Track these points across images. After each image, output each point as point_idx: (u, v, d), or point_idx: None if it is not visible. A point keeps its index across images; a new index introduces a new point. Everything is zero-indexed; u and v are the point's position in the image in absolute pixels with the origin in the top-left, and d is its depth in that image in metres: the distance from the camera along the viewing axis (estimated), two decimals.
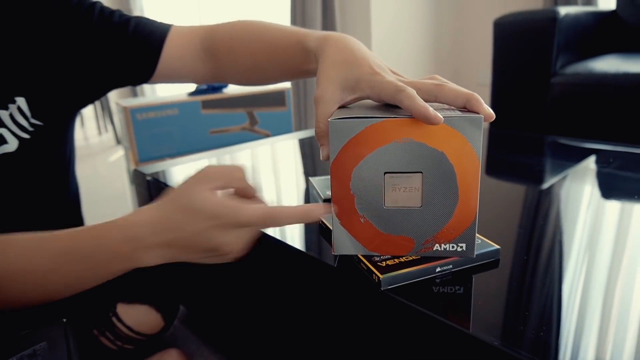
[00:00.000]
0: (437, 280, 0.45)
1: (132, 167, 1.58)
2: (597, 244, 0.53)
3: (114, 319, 0.68)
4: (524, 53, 1.46)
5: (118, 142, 3.12)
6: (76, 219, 0.74)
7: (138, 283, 0.71)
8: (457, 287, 0.45)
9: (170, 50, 0.66)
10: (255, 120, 1.77)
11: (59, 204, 0.69)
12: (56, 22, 0.58)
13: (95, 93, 0.67)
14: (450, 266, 0.46)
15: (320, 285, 0.53)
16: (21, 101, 0.56)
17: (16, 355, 0.41)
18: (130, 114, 1.49)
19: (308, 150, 1.07)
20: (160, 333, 0.74)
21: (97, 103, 3.51)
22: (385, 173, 0.44)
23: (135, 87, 3.50)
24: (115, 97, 4.85)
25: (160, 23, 0.67)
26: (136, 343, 0.71)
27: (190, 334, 0.93)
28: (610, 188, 0.72)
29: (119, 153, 2.90)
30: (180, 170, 0.92)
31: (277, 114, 1.82)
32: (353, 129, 0.43)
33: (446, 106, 0.45)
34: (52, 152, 0.62)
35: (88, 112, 4.25)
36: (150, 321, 0.71)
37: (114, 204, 1.99)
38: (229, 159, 1.01)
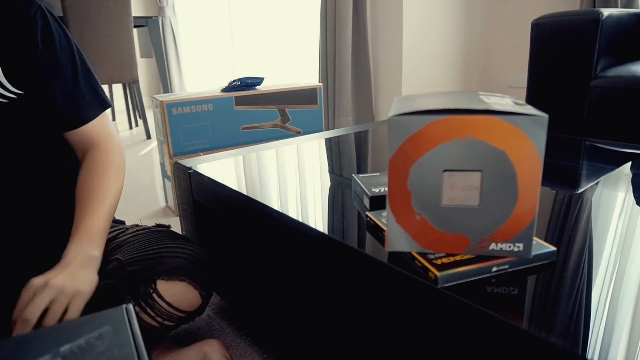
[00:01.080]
0: (493, 280, 0.45)
1: (167, 160, 1.60)
2: None
3: (154, 295, 0.69)
4: (563, 54, 1.43)
5: (148, 136, 3.18)
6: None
7: (177, 260, 0.72)
8: (511, 288, 0.44)
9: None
10: (287, 117, 1.78)
11: (51, 170, 0.78)
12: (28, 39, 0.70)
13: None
14: (507, 266, 0.46)
15: (367, 280, 0.54)
16: None
17: (83, 338, 0.43)
18: (167, 108, 1.52)
19: (344, 148, 1.07)
20: (197, 310, 0.75)
21: (129, 97, 3.58)
22: (444, 171, 0.44)
23: (167, 82, 3.56)
24: (151, 92, 4.94)
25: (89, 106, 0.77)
26: (176, 320, 0.72)
27: (227, 325, 0.95)
28: None
29: (149, 147, 2.95)
30: (216, 165, 0.93)
31: (308, 112, 1.83)
32: (414, 125, 0.43)
33: (510, 101, 0.45)
34: (34, 120, 0.72)
35: (119, 106, 4.34)
36: (188, 298, 0.72)
37: (144, 195, 2.03)
38: (268, 155, 1.02)
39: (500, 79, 2.80)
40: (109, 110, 0.82)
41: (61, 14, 2.60)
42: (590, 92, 1.37)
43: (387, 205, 0.47)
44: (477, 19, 2.74)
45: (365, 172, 0.85)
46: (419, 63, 2.56)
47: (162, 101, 1.52)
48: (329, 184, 0.80)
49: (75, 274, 0.61)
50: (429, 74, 2.63)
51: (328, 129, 2.49)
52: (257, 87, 1.75)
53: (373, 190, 0.64)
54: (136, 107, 3.61)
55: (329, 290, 0.62)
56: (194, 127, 1.59)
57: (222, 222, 0.87)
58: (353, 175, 0.72)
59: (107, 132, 0.79)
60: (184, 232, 1.03)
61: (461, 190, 0.44)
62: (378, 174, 0.72)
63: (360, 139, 1.15)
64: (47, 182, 0.78)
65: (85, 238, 0.67)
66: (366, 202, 0.64)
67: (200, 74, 4.65)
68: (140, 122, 3.73)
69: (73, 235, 0.67)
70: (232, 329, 0.93)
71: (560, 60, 1.44)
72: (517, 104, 0.45)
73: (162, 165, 1.70)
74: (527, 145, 0.42)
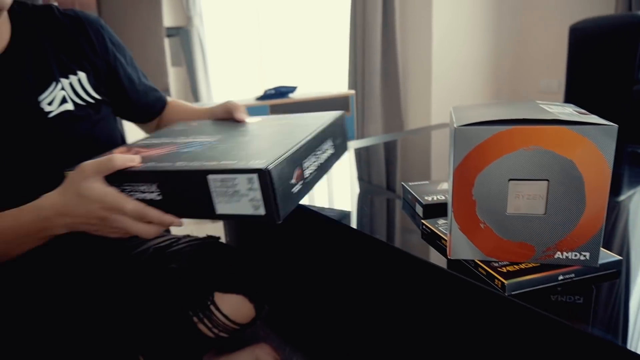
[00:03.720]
0: (559, 289, 0.45)
1: None
2: None
3: (212, 307, 0.72)
4: (603, 59, 1.41)
5: None
6: None
7: (233, 274, 0.75)
8: (577, 297, 0.45)
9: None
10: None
11: None
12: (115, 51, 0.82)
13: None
14: (573, 275, 0.46)
15: (429, 288, 0.54)
16: (82, 75, 0.75)
17: None
18: None
19: (385, 156, 1.08)
20: (251, 323, 0.77)
21: None
22: (509, 180, 0.45)
23: (197, 91, 3.63)
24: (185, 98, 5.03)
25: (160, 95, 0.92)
26: (230, 332, 0.74)
27: (271, 332, 0.96)
28: None
29: None
30: None
31: None
32: (480, 135, 0.44)
33: (573, 110, 0.45)
34: (104, 121, 0.79)
35: None
36: (243, 311, 0.75)
37: None
38: None
39: (531, 84, 2.76)
40: None
41: None
42: (631, 97, 1.35)
43: (450, 214, 0.48)
44: (507, 23, 2.71)
45: (407, 179, 0.86)
46: (448, 68, 2.56)
47: None
48: (370, 190, 0.81)
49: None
50: (458, 79, 2.61)
51: (358, 135, 2.50)
52: (291, 95, 1.78)
53: (426, 198, 0.65)
54: None
55: (384, 297, 0.63)
56: None
57: (268, 230, 0.89)
58: (403, 183, 0.73)
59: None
60: (227, 239, 1.05)
61: (527, 199, 0.45)
62: (427, 182, 0.72)
63: (398, 147, 1.16)
64: None
65: None
66: (419, 210, 0.65)
67: (227, 82, 4.72)
68: None
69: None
70: (276, 335, 0.95)
71: (600, 66, 1.42)
72: (581, 113, 0.46)
73: None
74: (596, 155, 0.42)
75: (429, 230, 0.58)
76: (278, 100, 1.70)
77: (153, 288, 0.75)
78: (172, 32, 3.23)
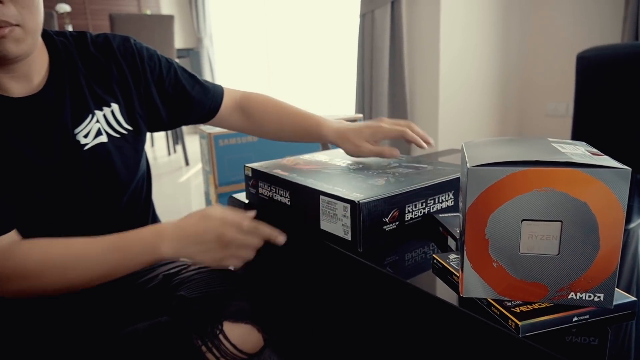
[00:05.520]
0: (573, 330, 0.45)
1: (212, 189, 1.65)
2: None
3: (220, 336, 0.71)
4: (610, 88, 1.42)
5: (187, 162, 3.27)
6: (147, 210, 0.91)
7: (243, 303, 0.75)
8: (591, 338, 0.44)
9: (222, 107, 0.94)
10: (328, 148, 1.81)
11: (136, 195, 0.85)
12: (153, 73, 0.84)
13: (173, 124, 0.91)
14: (587, 316, 0.46)
15: (437, 323, 0.54)
16: (115, 107, 0.77)
17: None
18: (214, 140, 1.57)
19: None
20: (259, 353, 0.77)
21: None
22: (523, 220, 0.45)
23: None
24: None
25: (216, 85, 0.94)
26: None
27: (277, 358, 0.95)
28: None
29: (189, 173, 3.04)
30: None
31: None
32: (493, 176, 0.44)
33: (585, 150, 0.46)
34: (133, 150, 0.81)
35: (159, 133, 4.49)
36: (252, 341, 0.74)
37: None
38: None
39: (538, 107, 2.78)
40: None
41: None
42: None
43: (464, 252, 0.48)
44: (514, 47, 2.74)
45: None
46: (456, 92, 2.57)
47: (209, 133, 1.57)
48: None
49: None
50: (465, 103, 2.63)
51: None
52: None
53: (457, 230, 0.64)
54: (175, 135, 3.73)
55: (392, 329, 0.62)
56: (239, 157, 1.63)
57: (276, 257, 0.89)
58: (432, 213, 0.73)
59: (240, 90, 0.97)
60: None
61: (540, 239, 0.45)
62: (457, 214, 0.72)
63: None
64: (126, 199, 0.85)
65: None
66: (452, 244, 0.65)
67: None
68: (177, 148, 3.85)
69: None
70: None
71: (608, 94, 1.43)
72: (593, 154, 0.46)
73: (207, 194, 1.75)
74: (609, 197, 0.42)
75: (440, 265, 0.58)
76: None
77: (161, 315, 0.75)
78: (183, 54, 3.29)
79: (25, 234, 0.72)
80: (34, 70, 0.70)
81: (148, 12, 4.26)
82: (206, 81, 0.93)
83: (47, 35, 0.74)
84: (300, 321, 0.87)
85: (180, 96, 0.87)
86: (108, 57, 0.77)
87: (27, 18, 0.63)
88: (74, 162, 0.72)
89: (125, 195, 0.81)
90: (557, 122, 2.68)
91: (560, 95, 2.64)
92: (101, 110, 0.75)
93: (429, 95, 2.58)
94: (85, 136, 0.73)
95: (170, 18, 2.88)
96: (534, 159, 0.44)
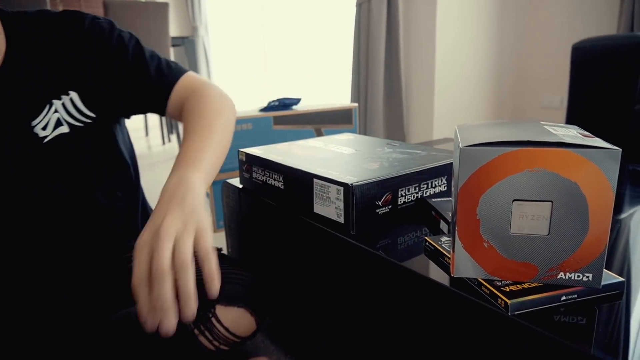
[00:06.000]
0: (562, 309, 0.46)
1: None
2: None
3: (213, 319, 0.72)
4: (605, 78, 1.42)
5: None
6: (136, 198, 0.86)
7: (236, 287, 0.75)
8: (579, 317, 0.45)
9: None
10: (322, 134, 1.81)
11: (112, 181, 0.79)
12: (103, 50, 0.74)
13: (126, 111, 0.81)
14: (575, 295, 0.46)
15: (430, 305, 0.55)
16: (74, 95, 0.72)
17: None
18: None
19: None
20: (251, 336, 0.77)
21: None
22: (514, 200, 0.45)
23: None
24: None
25: (172, 71, 0.79)
26: (231, 344, 0.74)
27: (270, 343, 0.96)
28: None
29: None
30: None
31: (344, 131, 1.85)
32: (485, 156, 0.45)
33: (576, 133, 0.46)
34: (101, 138, 0.75)
35: (152, 122, 4.47)
36: (244, 324, 0.75)
37: None
38: None
39: (533, 99, 2.78)
40: (193, 74, 0.81)
41: None
42: (633, 117, 1.36)
43: (455, 232, 0.48)
44: (510, 38, 2.74)
45: None
46: (451, 83, 2.57)
47: None
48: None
49: (184, 207, 0.52)
50: (460, 93, 2.63)
51: None
52: (295, 107, 1.79)
53: (449, 214, 0.65)
54: (170, 124, 3.71)
55: (385, 311, 0.63)
56: (233, 145, 1.62)
57: (270, 240, 0.90)
58: (425, 198, 0.73)
59: (201, 80, 0.79)
60: (229, 249, 1.06)
61: (530, 219, 0.45)
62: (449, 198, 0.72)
63: None
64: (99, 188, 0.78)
65: (183, 163, 0.60)
66: (444, 227, 0.65)
67: (230, 92, 4.75)
68: (172, 137, 3.83)
69: (173, 167, 0.61)
70: (276, 347, 0.95)
71: (602, 84, 1.43)
72: (585, 136, 0.46)
73: None
74: (600, 178, 0.42)
75: (432, 248, 0.58)
76: (281, 112, 1.71)
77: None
78: (177, 42, 3.26)
79: (2, 233, 0.71)
80: None
81: None
82: (161, 73, 0.78)
83: (5, 18, 0.69)
84: (292, 305, 0.87)
85: (129, 87, 0.76)
86: (65, 37, 0.71)
87: None
88: (32, 156, 0.68)
89: (101, 187, 0.77)
90: (551, 114, 2.69)
91: (556, 87, 2.65)
92: (59, 99, 0.70)
93: (424, 85, 2.58)
94: (44, 128, 0.69)
95: (165, 5, 2.85)
96: (526, 139, 0.44)
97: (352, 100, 2.76)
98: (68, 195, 0.73)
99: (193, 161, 0.61)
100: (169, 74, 0.77)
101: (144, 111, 0.80)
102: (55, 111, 0.70)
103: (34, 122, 0.68)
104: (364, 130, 2.69)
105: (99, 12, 4.25)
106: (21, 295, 0.73)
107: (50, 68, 0.69)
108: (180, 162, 0.61)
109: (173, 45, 3.25)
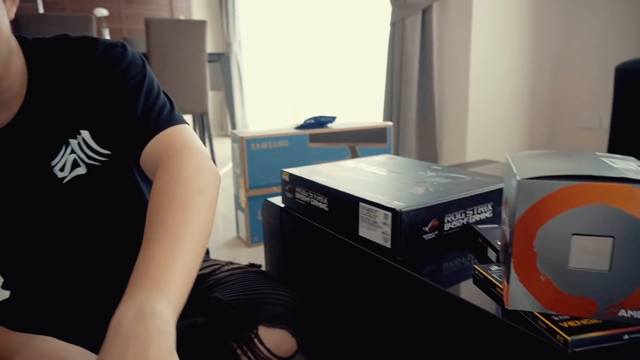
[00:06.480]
0: (625, 348, 0.44)
1: (242, 192, 1.67)
2: None
3: (255, 340, 0.72)
4: None
5: (214, 165, 3.32)
6: None
7: (278, 307, 0.76)
8: None
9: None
10: (357, 154, 1.82)
11: (132, 220, 0.73)
12: (107, 81, 0.66)
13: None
14: (639, 335, 0.45)
15: (478, 335, 0.54)
16: (86, 134, 0.67)
17: None
18: (246, 143, 1.60)
19: None
20: (292, 357, 0.77)
21: (198, 128, 3.77)
22: (573, 234, 0.45)
23: (234, 115, 3.74)
24: (215, 123, 5.17)
25: (158, 121, 0.67)
26: None
27: None
28: None
29: None
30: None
31: (378, 150, 1.86)
32: (544, 189, 0.44)
33: (637, 166, 0.45)
34: (119, 177, 0.70)
35: None
36: (286, 345, 0.75)
37: (215, 224, 2.11)
38: None
39: (571, 119, 2.72)
40: (187, 128, 0.68)
41: (145, 51, 2.82)
42: None
43: (510, 264, 0.48)
44: (546, 57, 2.70)
45: None
46: (485, 101, 2.55)
47: (242, 137, 1.60)
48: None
49: (133, 350, 0.39)
50: (495, 112, 2.60)
51: None
52: (330, 125, 1.81)
53: (497, 242, 0.64)
54: (202, 137, 3.79)
55: (430, 339, 0.62)
56: (269, 162, 1.65)
57: (312, 260, 0.90)
58: (470, 224, 0.73)
59: (183, 142, 0.64)
60: (267, 266, 1.07)
61: (590, 254, 0.45)
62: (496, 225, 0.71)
63: None
64: (117, 226, 0.75)
65: (145, 282, 0.45)
66: (492, 255, 0.65)
67: (261, 107, 4.83)
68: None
69: (129, 285, 0.46)
70: None
71: None
72: None
73: (237, 197, 1.78)
74: None
75: (481, 276, 0.58)
76: (317, 129, 1.73)
77: (196, 315, 0.76)
78: (214, 58, 3.35)
79: (24, 272, 0.72)
80: (9, 97, 0.63)
81: (182, 17, 4.35)
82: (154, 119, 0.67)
83: (26, 48, 0.65)
84: (334, 327, 0.88)
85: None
86: (80, 69, 0.66)
87: None
88: (52, 196, 0.67)
89: (120, 223, 0.73)
90: (589, 135, 2.63)
91: (594, 107, 2.59)
92: (75, 138, 0.67)
93: (458, 104, 2.56)
94: (62, 169, 0.66)
95: (203, 23, 2.94)
96: (587, 174, 0.44)
97: (385, 119, 2.76)
98: (86, 234, 0.71)
99: (158, 280, 0.46)
100: (154, 122, 0.65)
101: (125, 153, 0.69)
102: (72, 151, 0.66)
103: (53, 162, 0.66)
104: (396, 149, 2.68)
105: (138, 28, 4.41)
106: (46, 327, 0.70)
107: (66, 104, 0.66)
108: (139, 281, 0.46)
109: (210, 62, 3.34)
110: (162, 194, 0.56)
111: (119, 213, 0.73)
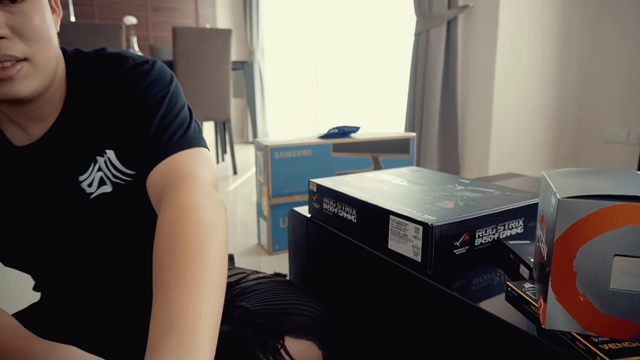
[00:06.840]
0: None
1: (265, 200, 1.69)
2: None
3: (282, 350, 0.73)
4: None
5: (235, 171, 3.35)
6: None
7: (305, 318, 0.76)
8: None
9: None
10: (380, 165, 1.82)
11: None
12: (130, 98, 0.66)
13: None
14: None
15: (511, 354, 0.53)
16: (111, 153, 0.67)
17: None
18: (270, 152, 1.61)
19: None
20: None
21: (219, 134, 3.82)
22: (615, 255, 0.44)
23: (256, 123, 3.78)
24: (236, 129, 5.24)
25: (170, 142, 0.65)
26: None
27: None
28: None
29: (237, 182, 3.11)
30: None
31: (400, 161, 1.85)
32: (585, 209, 0.44)
33: None
34: (144, 196, 0.67)
35: (208, 141, 4.64)
36: (312, 356, 0.75)
37: (235, 231, 2.13)
38: None
39: (597, 132, 2.68)
40: (203, 151, 0.66)
41: (171, 59, 2.87)
42: None
43: (548, 283, 0.47)
44: (572, 69, 2.67)
45: None
46: (509, 113, 2.53)
47: (266, 145, 1.61)
48: None
49: None
50: (518, 124, 2.58)
51: None
52: (353, 135, 1.81)
53: (530, 259, 0.64)
54: (223, 144, 3.84)
55: (459, 356, 0.62)
56: (293, 170, 1.66)
57: (338, 271, 0.90)
58: (501, 240, 0.72)
59: (188, 171, 0.61)
60: (291, 275, 1.07)
61: (633, 276, 0.44)
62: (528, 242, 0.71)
63: None
64: (139, 247, 0.73)
65: (172, 342, 0.41)
66: (524, 272, 0.64)
67: (282, 114, 4.87)
68: (226, 157, 3.95)
69: (151, 339, 0.42)
70: None
71: None
72: None
73: (259, 205, 1.79)
74: None
75: (515, 294, 0.57)
76: (340, 139, 1.73)
77: (222, 324, 0.76)
78: (238, 66, 3.39)
79: (51, 279, 0.74)
80: (49, 109, 0.64)
81: (207, 25, 4.43)
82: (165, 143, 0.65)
83: (68, 61, 0.67)
84: (360, 339, 0.87)
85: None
86: (109, 86, 0.66)
87: (37, 52, 0.56)
88: (80, 211, 0.68)
89: (144, 241, 0.70)
90: (617, 149, 2.58)
91: (621, 121, 2.54)
92: (102, 156, 0.67)
93: (481, 116, 2.54)
94: (90, 185, 0.67)
95: (228, 32, 2.99)
96: (631, 194, 0.43)
97: (406, 129, 2.76)
98: (110, 248, 0.72)
99: (186, 338, 0.41)
100: (165, 144, 0.64)
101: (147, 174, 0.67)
102: (99, 169, 0.67)
103: (81, 178, 0.67)
104: (418, 160, 2.67)
105: (164, 36, 4.50)
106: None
107: (97, 120, 0.66)
108: (165, 338, 0.41)
109: (234, 69, 3.38)
110: (172, 232, 0.51)
111: (141, 230, 0.73)
